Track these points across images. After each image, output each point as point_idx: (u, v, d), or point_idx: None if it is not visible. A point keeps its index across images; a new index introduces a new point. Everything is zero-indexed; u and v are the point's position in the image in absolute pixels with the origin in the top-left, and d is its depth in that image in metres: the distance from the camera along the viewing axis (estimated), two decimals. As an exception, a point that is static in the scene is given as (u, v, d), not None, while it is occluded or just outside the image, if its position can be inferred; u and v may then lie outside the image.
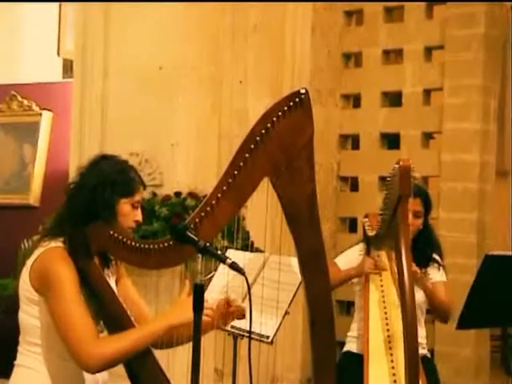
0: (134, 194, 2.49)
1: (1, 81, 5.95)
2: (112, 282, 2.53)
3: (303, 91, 2.27)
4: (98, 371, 2.37)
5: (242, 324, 2.45)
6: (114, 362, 2.34)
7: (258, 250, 3.58)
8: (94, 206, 2.41)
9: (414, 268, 3.30)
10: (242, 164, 2.24)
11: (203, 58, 4.67)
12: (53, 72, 6.33)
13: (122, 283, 2.63)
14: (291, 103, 2.25)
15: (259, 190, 2.34)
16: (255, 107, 4.63)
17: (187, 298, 2.32)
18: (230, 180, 2.24)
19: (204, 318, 2.24)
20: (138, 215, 2.51)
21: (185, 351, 2.38)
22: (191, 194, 4.45)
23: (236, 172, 2.24)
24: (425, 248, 3.51)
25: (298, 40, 5.15)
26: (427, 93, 5.19)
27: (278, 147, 2.26)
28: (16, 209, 5.68)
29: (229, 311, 2.49)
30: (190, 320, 2.23)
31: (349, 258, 3.58)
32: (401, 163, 2.80)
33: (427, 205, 3.53)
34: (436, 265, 3.57)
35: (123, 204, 2.46)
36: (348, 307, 5.17)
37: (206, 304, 2.25)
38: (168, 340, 2.49)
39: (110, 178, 2.45)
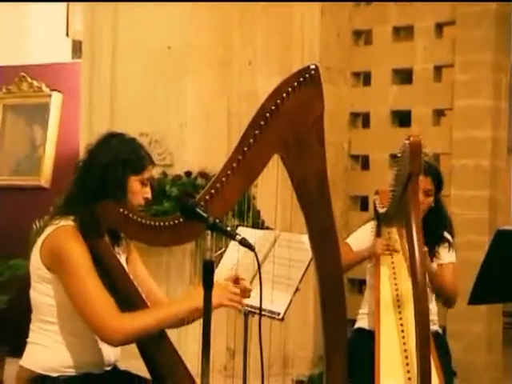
0: (144, 171, 2.49)
1: (10, 62, 5.94)
2: (122, 260, 2.54)
3: (313, 67, 2.25)
4: (121, 345, 2.40)
5: (253, 301, 2.45)
6: (136, 337, 2.36)
7: (268, 229, 3.58)
8: (105, 184, 2.41)
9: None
10: (251, 141, 2.23)
11: (212, 39, 4.64)
12: (62, 53, 6.32)
13: (132, 261, 2.64)
14: (301, 79, 2.24)
15: (269, 168, 2.33)
16: (264, 87, 4.58)
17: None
18: (240, 157, 2.23)
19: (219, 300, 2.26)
20: (148, 192, 2.51)
21: (196, 330, 2.39)
22: (201, 174, 4.44)
23: (246, 149, 2.23)
24: (436, 226, 3.49)
25: (307, 18, 5.11)
26: (438, 69, 5.16)
27: (288, 123, 2.25)
28: (27, 190, 5.69)
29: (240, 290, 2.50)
30: (215, 305, 2.24)
31: (360, 237, 3.57)
32: (411, 139, 2.78)
33: (438, 183, 3.51)
34: (446, 244, 3.56)
35: (133, 181, 2.47)
36: (360, 285, 5.17)
37: (220, 284, 2.27)
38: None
39: (120, 155, 2.45)
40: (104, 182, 2.42)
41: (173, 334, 2.53)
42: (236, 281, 2.48)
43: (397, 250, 3.34)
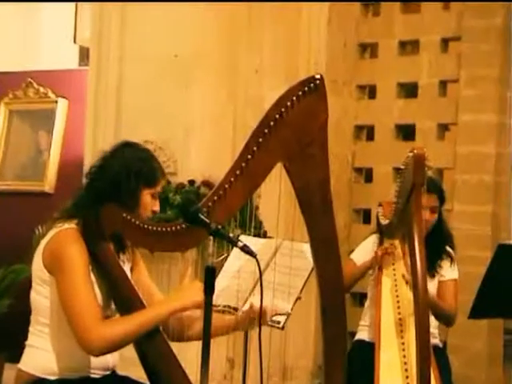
0: (157, 184, 2.50)
1: (17, 68, 5.96)
2: (127, 269, 2.53)
3: (318, 77, 2.26)
4: (101, 353, 2.36)
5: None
6: (116, 344, 2.34)
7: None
8: (116, 193, 2.41)
9: None
10: (255, 148, 2.23)
11: (219, 47, 4.66)
12: (69, 59, 6.34)
13: (137, 270, 2.63)
14: (306, 88, 2.24)
15: (273, 179, 2.33)
16: (270, 96, 4.59)
17: (191, 283, 2.35)
18: (244, 164, 2.23)
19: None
20: (157, 205, 2.52)
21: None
22: (205, 183, 4.45)
23: (250, 156, 2.23)
24: (437, 240, 3.50)
25: (314, 30, 5.13)
26: (443, 84, 5.16)
27: (292, 132, 2.25)
28: (31, 196, 5.70)
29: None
30: (194, 304, 2.28)
31: (364, 251, 3.57)
32: (415, 151, 2.79)
33: (441, 198, 3.53)
34: (449, 259, 3.56)
35: (146, 195, 2.47)
36: (361, 298, 5.15)
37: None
38: (179, 334, 2.50)
39: (134, 166, 2.45)
40: (114, 191, 2.41)
41: (173, 343, 2.52)
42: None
43: (395, 253, 3.34)
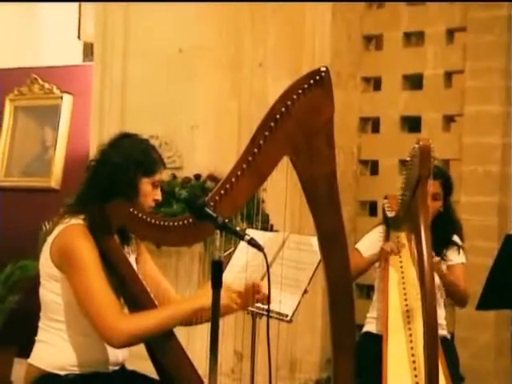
0: (156, 173, 2.50)
1: (22, 64, 5.96)
2: (132, 260, 2.54)
3: (323, 69, 2.26)
4: (123, 346, 2.38)
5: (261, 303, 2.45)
6: (139, 338, 2.35)
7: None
8: (116, 184, 2.42)
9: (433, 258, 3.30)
10: (261, 142, 2.24)
11: (223, 41, 4.65)
12: (73, 55, 6.35)
13: (143, 261, 2.65)
14: (311, 81, 2.24)
15: (279, 172, 2.33)
16: (275, 90, 4.60)
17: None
18: (250, 158, 2.23)
19: (228, 301, 2.27)
20: (158, 194, 2.52)
21: (204, 332, 2.39)
22: (211, 177, 4.45)
23: (256, 150, 2.23)
24: (444, 230, 3.49)
25: (318, 22, 5.11)
26: (448, 75, 5.15)
27: (298, 125, 2.25)
28: (37, 192, 5.71)
29: (254, 296, 2.50)
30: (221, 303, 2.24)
31: (370, 241, 3.57)
32: (420, 143, 2.78)
33: (447, 187, 3.51)
34: (455, 247, 3.56)
35: (144, 183, 2.48)
36: (368, 291, 5.15)
37: (231, 287, 2.27)
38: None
39: (132, 156, 2.46)
40: (115, 182, 2.42)
41: (181, 336, 2.52)
42: (254, 288, 2.47)
43: (403, 245, 3.34)
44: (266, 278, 2.32)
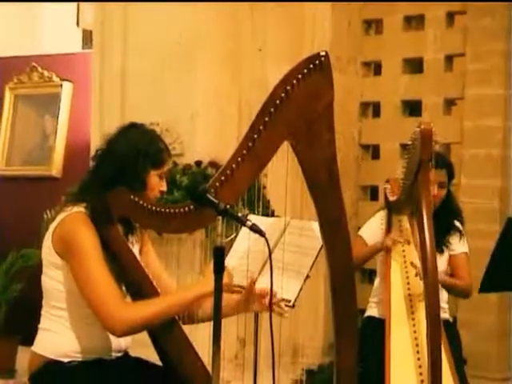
0: (164, 165, 2.50)
1: (21, 52, 5.95)
2: (136, 250, 2.54)
3: (323, 54, 2.24)
4: (125, 335, 2.39)
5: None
6: (141, 327, 2.36)
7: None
8: (121, 174, 2.41)
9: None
10: (261, 128, 2.23)
11: (223, 27, 4.64)
12: (72, 43, 6.34)
13: (146, 252, 2.64)
14: (311, 66, 2.22)
15: (280, 158, 2.33)
16: (275, 76, 4.58)
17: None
18: (250, 144, 2.22)
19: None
20: (164, 185, 2.52)
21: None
22: (212, 163, 4.45)
23: (256, 136, 2.22)
24: (446, 216, 3.50)
25: (318, 7, 5.10)
26: (449, 59, 5.13)
27: (298, 111, 2.24)
28: (38, 180, 5.72)
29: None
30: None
31: (372, 229, 3.57)
32: (422, 127, 2.77)
33: (450, 173, 3.53)
34: (458, 234, 3.56)
35: (153, 176, 2.47)
36: (370, 275, 5.16)
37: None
38: (190, 315, 2.51)
39: (140, 148, 2.44)
40: (121, 173, 2.41)
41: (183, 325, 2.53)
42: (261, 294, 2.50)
43: (407, 240, 3.34)
44: (267, 265, 2.32)
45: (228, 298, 2.42)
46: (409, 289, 3.14)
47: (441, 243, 3.46)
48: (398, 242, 3.32)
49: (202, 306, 2.53)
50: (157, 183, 2.48)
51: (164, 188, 2.51)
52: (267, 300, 2.48)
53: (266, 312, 2.56)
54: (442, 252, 3.48)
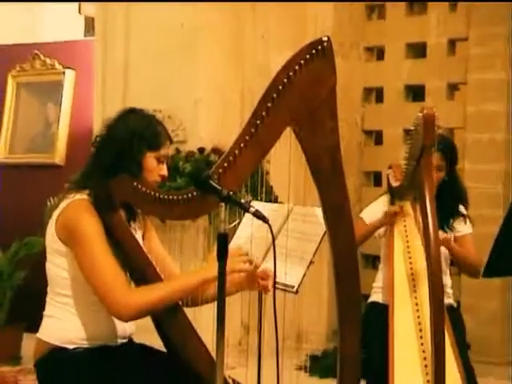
0: (161, 147, 2.49)
1: (23, 40, 5.95)
2: (138, 236, 2.54)
3: (325, 39, 2.23)
4: (131, 319, 2.40)
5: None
6: (146, 311, 2.36)
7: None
8: (120, 159, 2.42)
9: (444, 235, 3.30)
10: (264, 114, 2.22)
11: (225, 14, 4.63)
12: (75, 30, 6.33)
13: (149, 237, 2.65)
14: (313, 51, 2.22)
15: (282, 144, 2.33)
16: (277, 62, 4.58)
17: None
18: (253, 130, 2.22)
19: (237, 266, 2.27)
20: (164, 169, 2.51)
21: (210, 305, 2.42)
22: (215, 150, 4.45)
23: (258, 122, 2.22)
24: (449, 200, 3.49)
25: (320, -8, 5.08)
26: (452, 43, 5.12)
27: (300, 96, 2.23)
28: (42, 168, 5.72)
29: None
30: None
31: (374, 211, 3.57)
32: (424, 112, 2.76)
33: (451, 156, 3.50)
34: (461, 217, 3.56)
35: (149, 158, 2.47)
36: (373, 261, 5.17)
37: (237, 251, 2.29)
38: (193, 298, 2.52)
39: (137, 131, 2.45)
40: (120, 157, 2.42)
41: (187, 308, 2.54)
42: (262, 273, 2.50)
43: (408, 214, 3.33)
44: (271, 251, 2.32)
45: (231, 277, 2.42)
46: (412, 273, 3.13)
47: (444, 227, 3.46)
48: (399, 214, 3.32)
49: (205, 291, 2.54)
50: (154, 166, 2.48)
51: (164, 172, 2.51)
52: (269, 282, 2.49)
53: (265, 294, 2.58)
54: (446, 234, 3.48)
